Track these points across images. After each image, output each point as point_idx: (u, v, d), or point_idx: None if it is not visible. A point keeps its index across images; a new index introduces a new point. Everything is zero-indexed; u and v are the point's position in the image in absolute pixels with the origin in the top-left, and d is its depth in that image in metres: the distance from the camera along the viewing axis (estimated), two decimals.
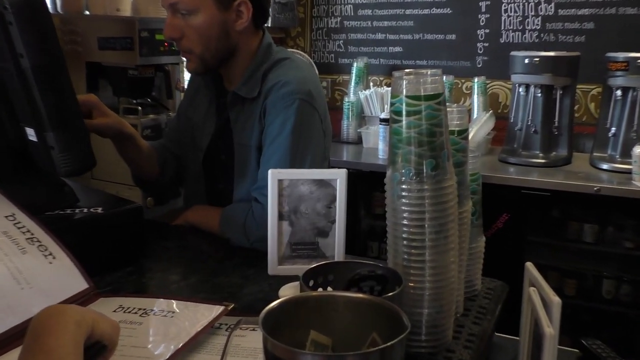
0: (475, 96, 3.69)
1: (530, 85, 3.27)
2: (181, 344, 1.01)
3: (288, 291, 1.29)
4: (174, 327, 1.07)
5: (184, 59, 1.83)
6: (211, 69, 1.83)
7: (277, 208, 1.25)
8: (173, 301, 1.16)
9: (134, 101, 2.84)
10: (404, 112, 1.05)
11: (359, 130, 3.81)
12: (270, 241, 1.27)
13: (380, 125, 3.47)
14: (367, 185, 3.42)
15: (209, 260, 1.57)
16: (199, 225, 1.84)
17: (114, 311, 1.12)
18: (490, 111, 3.48)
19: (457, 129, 1.19)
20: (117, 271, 1.42)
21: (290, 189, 1.25)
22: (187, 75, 3.20)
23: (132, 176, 2.05)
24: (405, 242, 1.07)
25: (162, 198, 2.57)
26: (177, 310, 1.12)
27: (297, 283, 1.24)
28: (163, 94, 3.02)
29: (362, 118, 3.89)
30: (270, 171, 1.25)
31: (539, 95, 3.26)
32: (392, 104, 1.07)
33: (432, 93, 1.05)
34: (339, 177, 1.25)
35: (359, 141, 3.81)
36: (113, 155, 1.94)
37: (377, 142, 3.54)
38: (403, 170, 1.06)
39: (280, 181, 1.25)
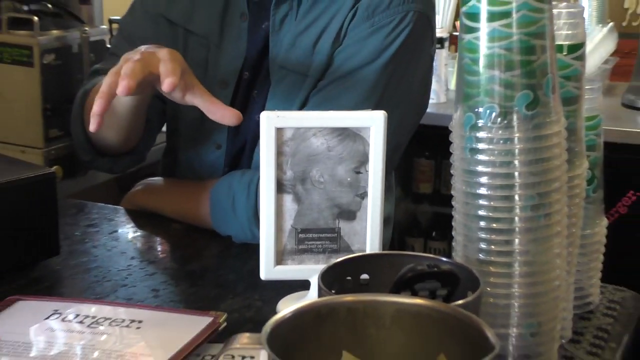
0: None
1: None
2: None
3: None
4: (143, 342, 0.77)
5: None
6: None
7: (274, 174, 0.80)
8: (138, 309, 0.85)
9: (25, 7, 1.72)
10: (484, 15, 0.69)
11: None
12: (263, 227, 0.82)
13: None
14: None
15: (165, 260, 1.09)
16: (164, 212, 1.18)
17: (47, 318, 0.83)
18: (611, 24, 2.19)
19: (567, 42, 0.78)
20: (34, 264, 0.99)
21: (295, 144, 0.80)
22: None
23: (85, 147, 1.20)
24: (482, 223, 0.72)
25: (80, 168, 1.62)
26: (143, 320, 0.81)
27: (305, 293, 0.86)
28: None
29: None
30: (263, 115, 0.80)
31: None
32: (464, 3, 0.71)
33: None
34: (374, 124, 0.80)
35: None
36: None
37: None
38: (481, 109, 0.71)
39: (279, 131, 0.80)
